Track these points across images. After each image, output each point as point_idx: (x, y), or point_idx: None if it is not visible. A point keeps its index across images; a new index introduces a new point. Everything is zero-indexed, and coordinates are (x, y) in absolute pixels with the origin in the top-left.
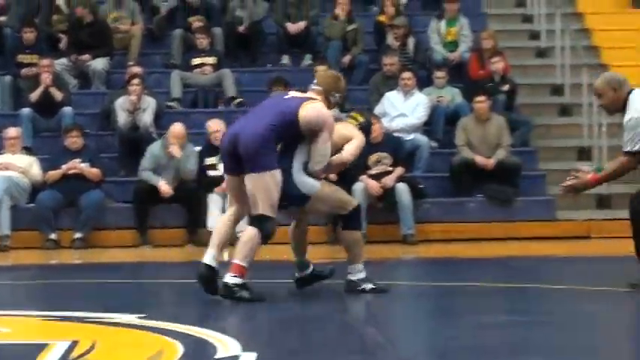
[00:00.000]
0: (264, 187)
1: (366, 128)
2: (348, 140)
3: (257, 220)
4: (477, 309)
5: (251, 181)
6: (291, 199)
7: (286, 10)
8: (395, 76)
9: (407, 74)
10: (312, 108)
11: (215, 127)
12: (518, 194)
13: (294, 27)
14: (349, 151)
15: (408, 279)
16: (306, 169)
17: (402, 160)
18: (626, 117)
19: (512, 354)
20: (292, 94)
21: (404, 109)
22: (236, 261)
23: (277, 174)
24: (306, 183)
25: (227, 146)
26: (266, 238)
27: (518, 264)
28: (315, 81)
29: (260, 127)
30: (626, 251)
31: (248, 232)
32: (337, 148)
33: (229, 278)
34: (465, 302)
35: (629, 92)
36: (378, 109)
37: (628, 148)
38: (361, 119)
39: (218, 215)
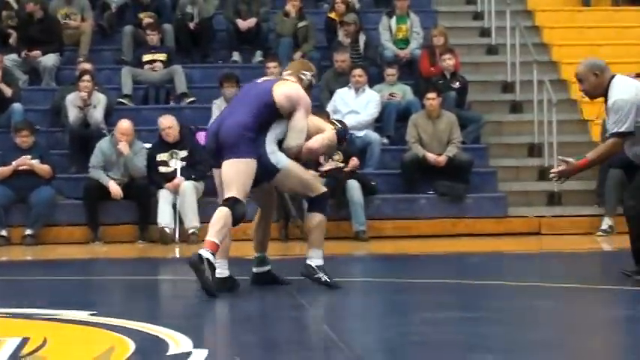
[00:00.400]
0: (239, 172)
1: (341, 134)
2: (320, 131)
3: (231, 203)
4: (428, 305)
5: (228, 166)
6: (262, 171)
7: (237, 7)
8: (346, 73)
9: (358, 71)
10: (285, 84)
11: (167, 123)
12: (469, 191)
13: (244, 24)
14: (318, 141)
15: (359, 275)
16: (280, 147)
17: (353, 155)
18: (610, 101)
19: (463, 350)
20: (265, 78)
21: (355, 106)
22: (210, 238)
23: (253, 163)
24: (277, 154)
25: (210, 143)
26: (237, 221)
27: (470, 260)
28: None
29: (238, 115)
30: (576, 248)
31: (221, 211)
32: (309, 136)
33: (204, 252)
34: (417, 299)
35: (612, 77)
36: (329, 106)
37: (615, 130)
38: (338, 126)
39: (169, 211)
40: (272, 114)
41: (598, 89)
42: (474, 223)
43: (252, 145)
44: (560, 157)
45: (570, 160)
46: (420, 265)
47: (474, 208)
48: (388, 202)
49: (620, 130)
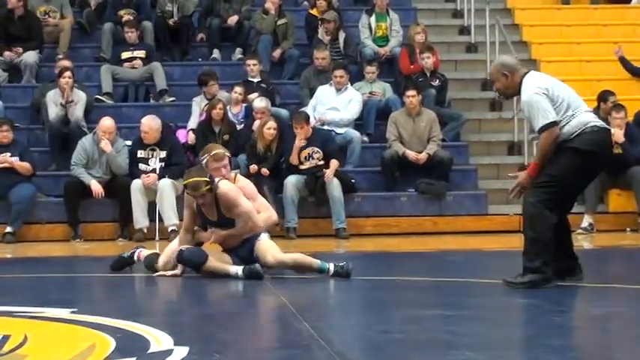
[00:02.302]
0: None
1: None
2: None
3: None
4: (408, 303)
5: None
6: None
7: (217, 5)
8: (326, 70)
9: (339, 72)
10: None
11: (145, 127)
12: (450, 188)
13: (227, 21)
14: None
15: None
16: None
17: (333, 153)
18: (523, 98)
19: (442, 347)
20: None
21: (336, 103)
22: None
23: None
24: None
25: None
26: None
27: (450, 258)
28: None
29: None
30: None
31: None
32: None
33: None
34: (397, 296)
35: (524, 75)
36: (310, 103)
37: (541, 124)
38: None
39: (142, 213)
40: None
41: (510, 88)
42: (454, 220)
43: None
44: (510, 174)
45: (518, 173)
46: (400, 263)
47: (454, 206)
48: (368, 200)
49: (547, 122)
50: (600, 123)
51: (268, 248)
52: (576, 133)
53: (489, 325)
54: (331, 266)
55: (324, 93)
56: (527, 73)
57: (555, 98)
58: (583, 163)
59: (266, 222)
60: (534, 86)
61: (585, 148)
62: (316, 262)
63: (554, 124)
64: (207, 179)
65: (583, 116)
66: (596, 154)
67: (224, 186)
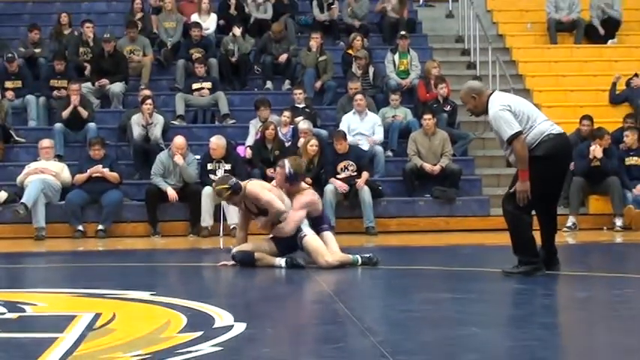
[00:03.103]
0: None
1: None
2: None
3: None
4: (425, 288)
5: None
6: None
7: (270, 45)
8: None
9: (359, 96)
10: None
11: (214, 145)
12: (459, 194)
13: (278, 58)
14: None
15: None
16: None
17: (364, 166)
18: (490, 114)
19: (453, 324)
20: None
21: (362, 129)
22: None
23: None
24: None
25: None
26: None
27: (459, 251)
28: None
29: None
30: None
31: None
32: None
33: None
34: (416, 282)
35: (490, 95)
36: (341, 127)
37: (509, 134)
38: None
39: (209, 215)
40: None
41: (479, 107)
42: (462, 221)
43: None
44: (511, 191)
45: (516, 187)
46: (419, 255)
47: (462, 209)
48: (393, 204)
49: (513, 133)
50: (557, 130)
51: (318, 250)
52: (537, 141)
53: (492, 306)
54: (359, 258)
55: (350, 120)
56: (491, 93)
57: (517, 112)
58: (548, 168)
59: (287, 206)
60: (498, 104)
61: (547, 154)
62: (350, 257)
63: (519, 133)
64: (228, 186)
65: (541, 126)
66: (557, 157)
67: (249, 186)
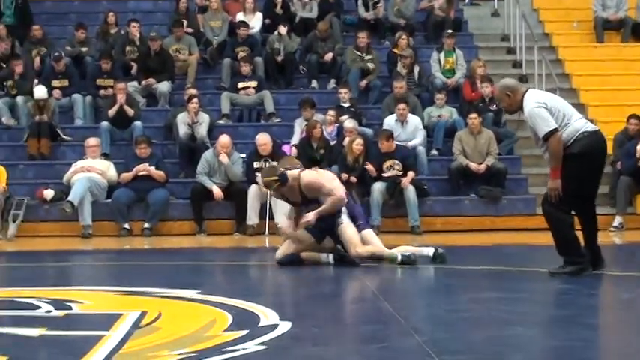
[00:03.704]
0: None
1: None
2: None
3: None
4: (471, 287)
5: None
6: None
7: (315, 44)
8: (402, 97)
9: (402, 105)
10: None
11: (262, 141)
12: (505, 194)
13: (324, 57)
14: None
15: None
16: None
17: (411, 166)
18: (525, 112)
19: (500, 324)
20: None
21: (404, 137)
22: None
23: None
24: None
25: None
26: None
27: (504, 251)
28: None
29: None
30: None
31: None
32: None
33: None
34: (461, 281)
35: (524, 93)
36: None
37: (545, 132)
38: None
39: (254, 213)
40: None
41: (513, 105)
42: (508, 220)
43: None
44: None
45: (548, 185)
46: (463, 255)
47: (508, 208)
48: (438, 203)
49: (549, 129)
50: (591, 127)
51: (351, 239)
52: (572, 139)
53: (537, 306)
54: (399, 256)
55: (391, 126)
56: (526, 91)
57: (553, 110)
58: (583, 165)
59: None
60: (534, 101)
61: (582, 151)
62: (388, 252)
63: (555, 130)
64: (277, 178)
65: (576, 124)
66: (592, 155)
67: (306, 176)
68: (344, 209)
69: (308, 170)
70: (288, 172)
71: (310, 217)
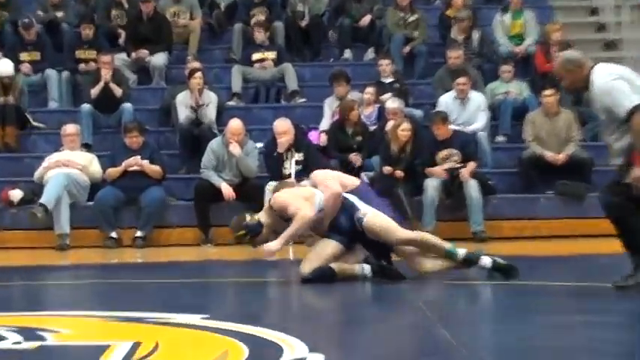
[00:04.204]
0: None
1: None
2: None
3: None
4: (549, 308)
5: None
6: None
7: (349, 4)
8: (459, 70)
9: (462, 79)
10: None
11: (281, 128)
12: (591, 190)
13: (359, 21)
14: None
15: (478, 278)
16: None
17: (472, 155)
18: (597, 87)
19: (586, 355)
20: None
21: (465, 117)
22: None
23: None
24: None
25: None
26: None
27: (591, 262)
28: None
29: None
30: None
31: None
32: None
33: None
34: (537, 301)
35: (592, 68)
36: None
37: (628, 107)
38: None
39: None
40: None
41: (577, 83)
42: (595, 223)
43: None
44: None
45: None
46: (539, 267)
47: (595, 208)
48: (506, 202)
49: (633, 105)
50: None
51: (388, 227)
52: None
53: (632, 332)
54: (461, 251)
55: (448, 105)
56: (594, 65)
57: (630, 82)
58: None
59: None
60: (607, 73)
61: None
62: (445, 245)
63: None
64: (243, 232)
65: None
66: None
67: (277, 202)
68: (357, 199)
69: (281, 191)
70: (263, 211)
71: (273, 246)
